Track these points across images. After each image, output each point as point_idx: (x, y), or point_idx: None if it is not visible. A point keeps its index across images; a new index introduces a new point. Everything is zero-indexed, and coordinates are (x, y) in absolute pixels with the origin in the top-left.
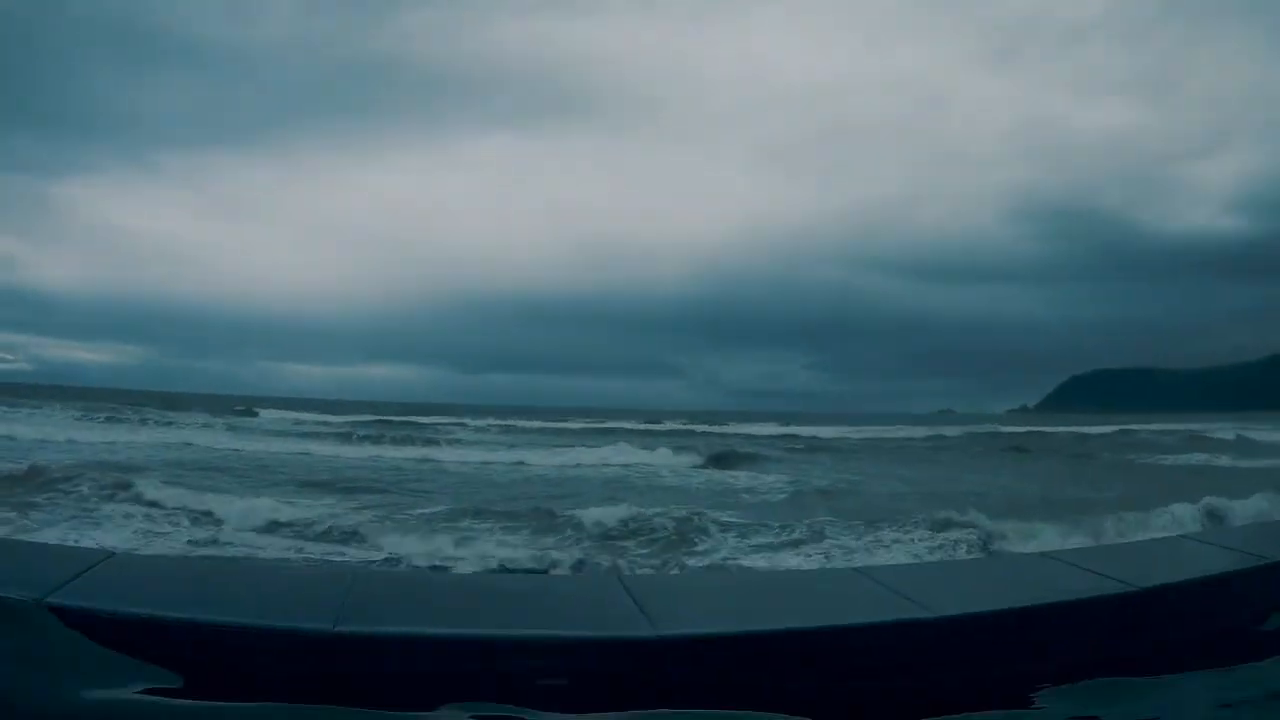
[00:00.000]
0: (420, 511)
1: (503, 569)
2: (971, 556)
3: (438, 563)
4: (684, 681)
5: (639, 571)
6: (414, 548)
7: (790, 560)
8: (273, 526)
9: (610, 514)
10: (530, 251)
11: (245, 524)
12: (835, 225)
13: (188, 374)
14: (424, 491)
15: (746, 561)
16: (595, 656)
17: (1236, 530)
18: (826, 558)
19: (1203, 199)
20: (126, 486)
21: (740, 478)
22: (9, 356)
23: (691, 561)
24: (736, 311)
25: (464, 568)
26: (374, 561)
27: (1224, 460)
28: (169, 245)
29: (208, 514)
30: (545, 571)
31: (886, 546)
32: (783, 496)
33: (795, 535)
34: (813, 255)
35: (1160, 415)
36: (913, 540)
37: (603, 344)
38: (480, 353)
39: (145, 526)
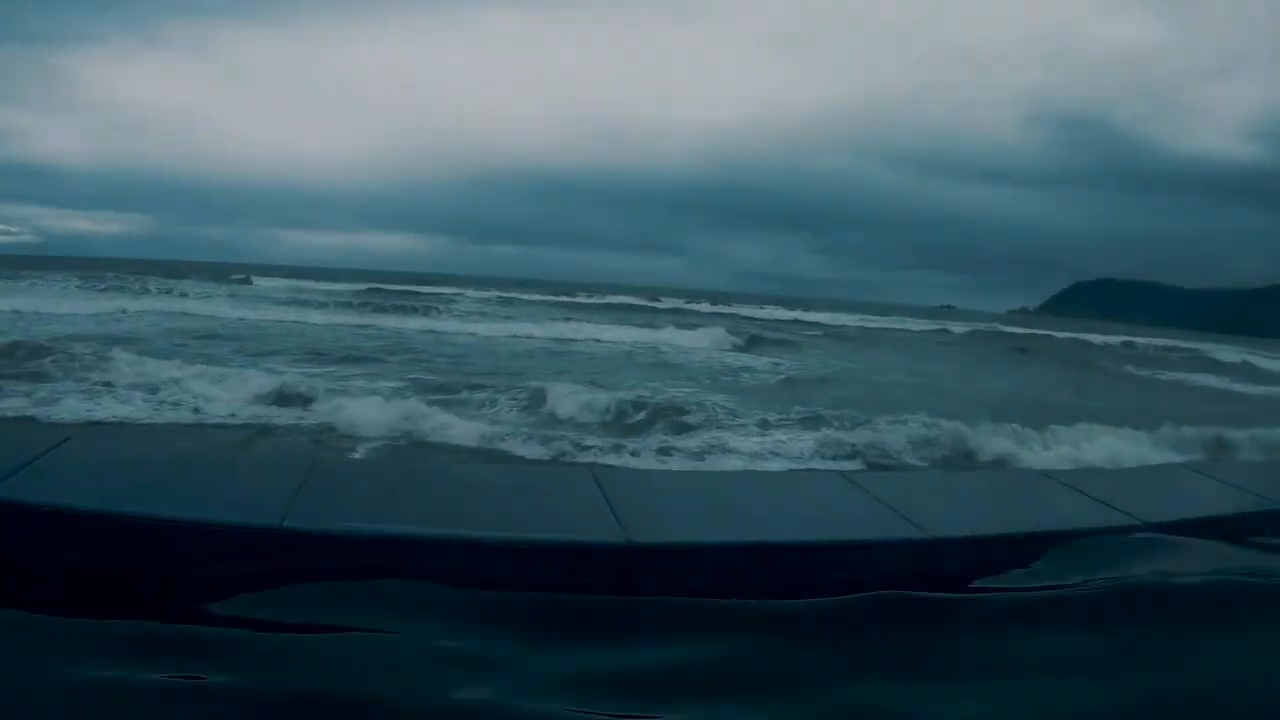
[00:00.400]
0: (408, 379)
1: (478, 449)
2: (967, 469)
3: (413, 436)
4: (652, 591)
5: (626, 453)
6: (387, 420)
7: (783, 441)
8: (258, 399)
9: (601, 392)
10: (536, 125)
11: (232, 395)
12: (846, 116)
13: (191, 242)
14: (416, 361)
15: (737, 442)
16: (562, 562)
17: (1242, 466)
18: (822, 445)
19: (1218, 122)
20: (115, 358)
21: (742, 359)
22: (13, 229)
23: (682, 441)
24: (742, 194)
25: (439, 442)
26: (338, 431)
27: (1228, 382)
28: (173, 115)
29: (195, 387)
30: (518, 459)
31: (882, 453)
32: (781, 379)
33: (790, 419)
34: (822, 143)
35: (1161, 330)
36: (908, 438)
37: (606, 220)
38: (484, 224)
39: (134, 400)
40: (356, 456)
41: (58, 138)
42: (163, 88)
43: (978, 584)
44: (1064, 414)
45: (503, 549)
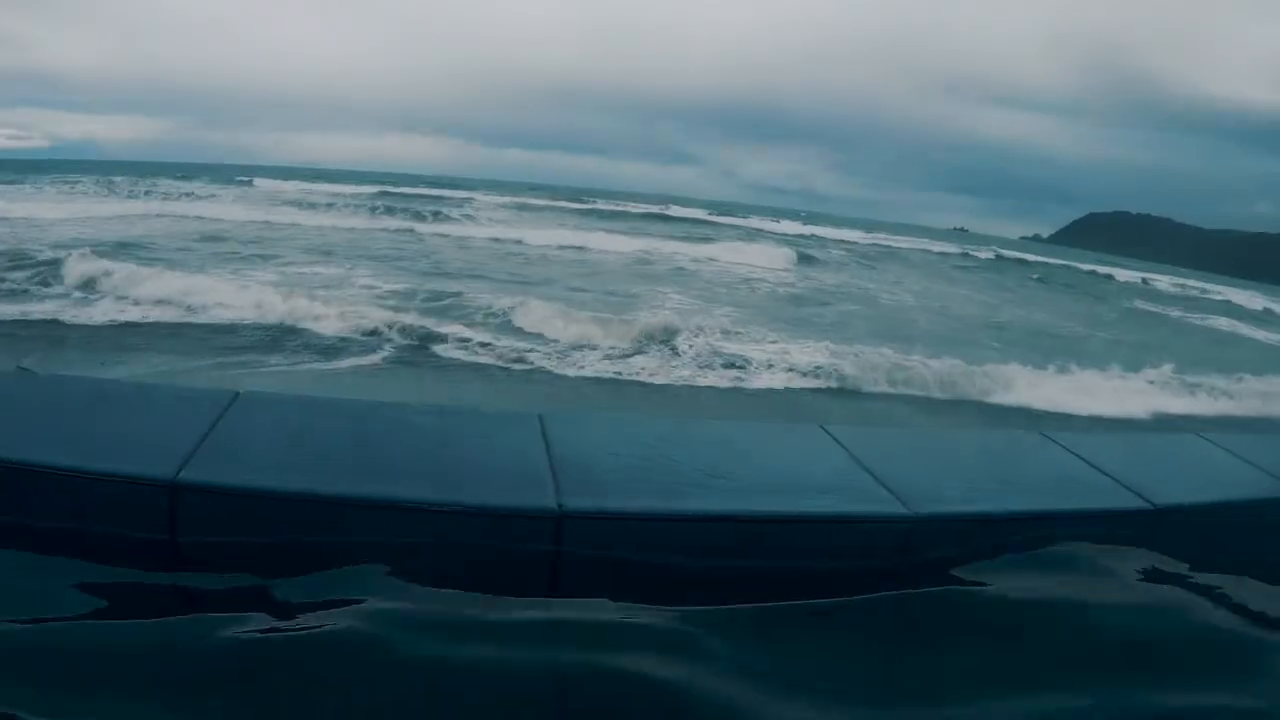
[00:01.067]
0: (412, 287)
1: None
2: (960, 428)
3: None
4: (578, 568)
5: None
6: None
7: (790, 352)
8: (262, 303)
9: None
10: (551, 28)
11: (240, 299)
12: (867, 32)
13: (203, 146)
14: (433, 268)
15: (734, 348)
16: (479, 533)
17: (1261, 440)
18: (827, 360)
19: (1243, 65)
20: (129, 263)
21: (757, 270)
22: (23, 133)
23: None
24: (759, 107)
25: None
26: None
27: (1255, 332)
28: (186, 17)
29: (206, 291)
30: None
31: (893, 383)
32: (794, 293)
33: (796, 337)
34: (840, 59)
35: (1177, 269)
36: (926, 373)
37: (620, 127)
38: (495, 128)
39: (148, 303)
40: (280, 392)
41: (69, 42)
42: None
43: (962, 574)
44: (1108, 357)
45: (414, 512)
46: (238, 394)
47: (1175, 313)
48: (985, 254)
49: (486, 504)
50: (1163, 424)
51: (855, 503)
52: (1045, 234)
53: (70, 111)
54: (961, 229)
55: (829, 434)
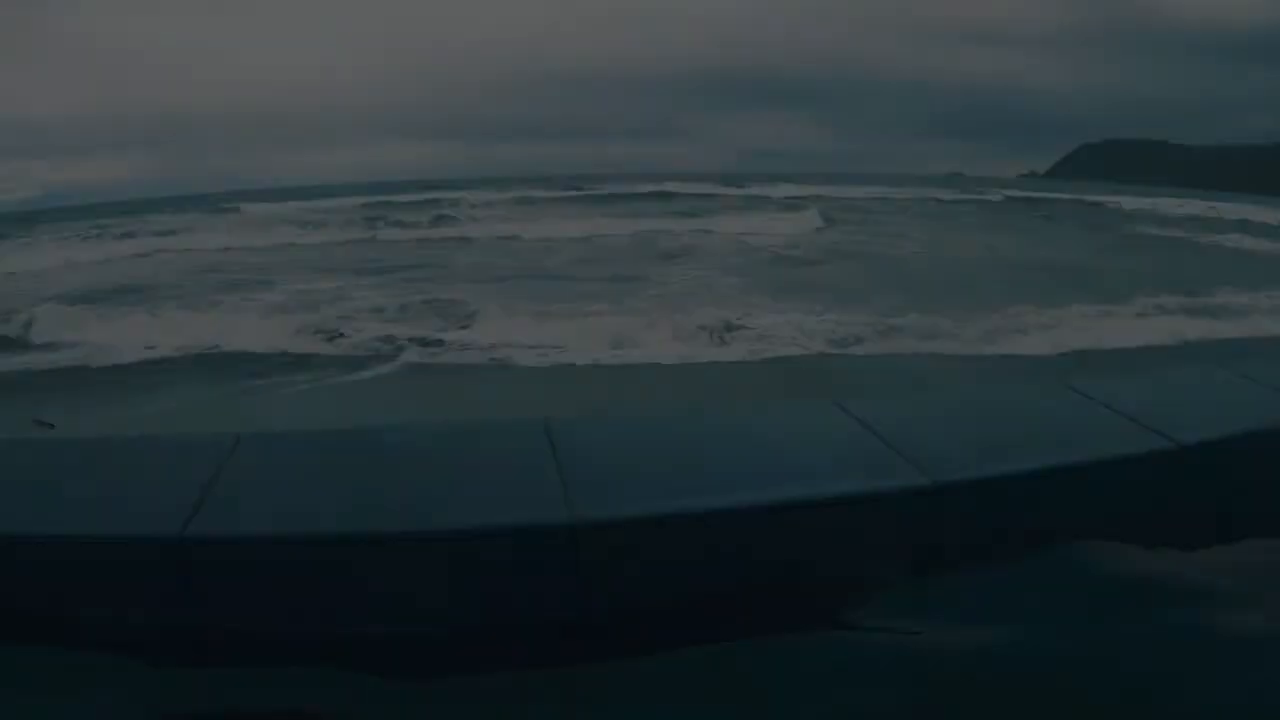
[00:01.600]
0: (415, 298)
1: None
2: (976, 385)
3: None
4: (597, 580)
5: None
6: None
7: (805, 317)
8: (278, 330)
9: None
10: (526, 14)
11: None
12: None
13: (193, 176)
14: (418, 278)
15: (749, 319)
16: (486, 560)
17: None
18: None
19: None
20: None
21: (762, 236)
22: (6, 185)
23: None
24: (744, 73)
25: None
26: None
27: (1259, 244)
28: (160, 50)
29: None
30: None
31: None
32: (801, 256)
33: (810, 300)
34: (819, 13)
35: (1176, 191)
36: (949, 325)
37: (607, 109)
38: (482, 124)
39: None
40: (290, 427)
41: (43, 89)
42: (148, 24)
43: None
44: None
45: (422, 541)
46: (239, 438)
47: (1187, 235)
48: (993, 196)
49: (496, 524)
50: (1189, 350)
51: (874, 478)
52: (1041, 170)
53: (53, 158)
54: (957, 174)
55: (844, 410)
